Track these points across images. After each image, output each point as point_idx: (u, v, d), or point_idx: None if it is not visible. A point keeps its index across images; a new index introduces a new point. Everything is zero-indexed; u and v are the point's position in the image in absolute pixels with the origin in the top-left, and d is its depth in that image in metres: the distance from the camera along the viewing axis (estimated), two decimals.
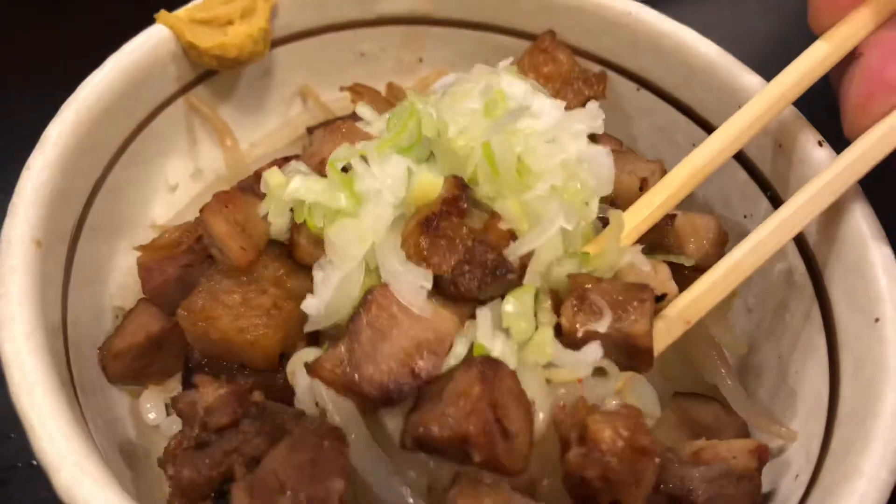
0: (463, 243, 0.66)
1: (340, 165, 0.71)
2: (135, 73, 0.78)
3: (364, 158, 0.71)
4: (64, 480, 0.54)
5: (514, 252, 0.66)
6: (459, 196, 0.68)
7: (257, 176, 0.77)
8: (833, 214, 0.75)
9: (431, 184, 0.68)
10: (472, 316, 0.66)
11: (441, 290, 0.65)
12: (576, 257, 0.68)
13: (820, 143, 0.78)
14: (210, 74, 0.89)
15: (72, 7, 1.35)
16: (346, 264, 0.66)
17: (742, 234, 0.86)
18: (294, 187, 0.70)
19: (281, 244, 0.74)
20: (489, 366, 0.60)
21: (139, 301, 0.77)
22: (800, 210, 0.73)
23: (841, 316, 0.74)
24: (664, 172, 0.82)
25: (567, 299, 0.65)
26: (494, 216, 0.69)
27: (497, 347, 0.63)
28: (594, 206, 0.71)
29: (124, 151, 0.81)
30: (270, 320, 0.68)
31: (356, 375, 0.61)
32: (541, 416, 0.62)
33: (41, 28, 1.36)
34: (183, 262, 0.76)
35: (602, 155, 0.73)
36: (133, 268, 0.81)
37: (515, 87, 0.78)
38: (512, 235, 0.67)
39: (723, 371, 0.77)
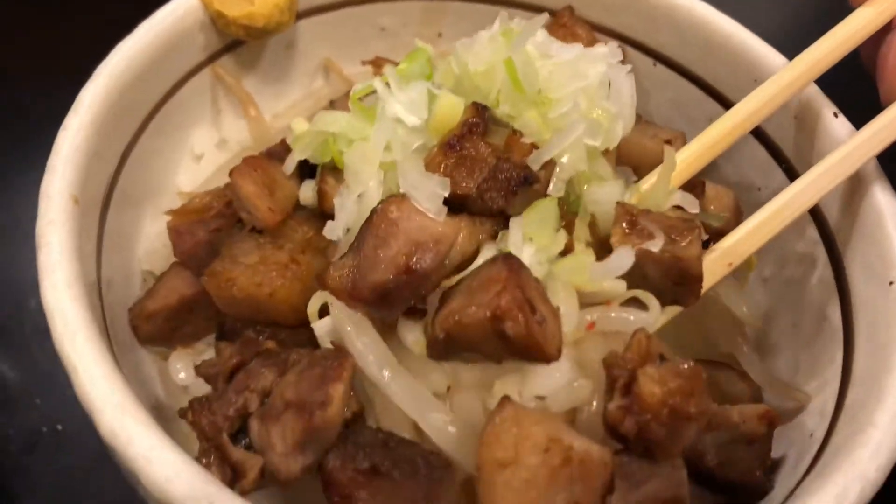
0: (486, 160, 0.67)
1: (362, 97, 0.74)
2: (164, 41, 0.80)
3: (387, 83, 0.73)
4: (107, 422, 0.55)
5: (536, 160, 0.67)
6: (480, 115, 0.69)
7: (284, 144, 0.79)
8: (848, 183, 0.77)
9: (453, 106, 0.69)
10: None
11: (469, 208, 0.66)
12: (618, 185, 0.70)
13: (836, 115, 0.80)
14: (236, 45, 0.90)
15: (72, 7, 1.37)
16: (359, 186, 0.67)
17: (757, 206, 0.89)
18: (318, 120, 0.72)
19: (308, 210, 0.76)
20: (513, 259, 0.61)
21: (172, 265, 0.78)
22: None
23: (855, 282, 0.76)
24: (685, 142, 0.84)
25: (616, 223, 0.66)
26: (516, 133, 0.70)
27: (525, 256, 0.64)
28: (618, 129, 0.72)
29: (152, 119, 0.82)
30: (287, 272, 0.70)
31: (359, 281, 0.62)
32: (566, 330, 0.62)
33: (41, 28, 1.39)
34: (213, 226, 0.77)
35: (622, 76, 0.74)
36: (161, 233, 0.83)
37: (532, 29, 0.79)
38: (534, 147, 0.69)
39: (738, 338, 0.79)
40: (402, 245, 0.63)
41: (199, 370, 0.69)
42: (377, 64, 0.93)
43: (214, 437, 0.61)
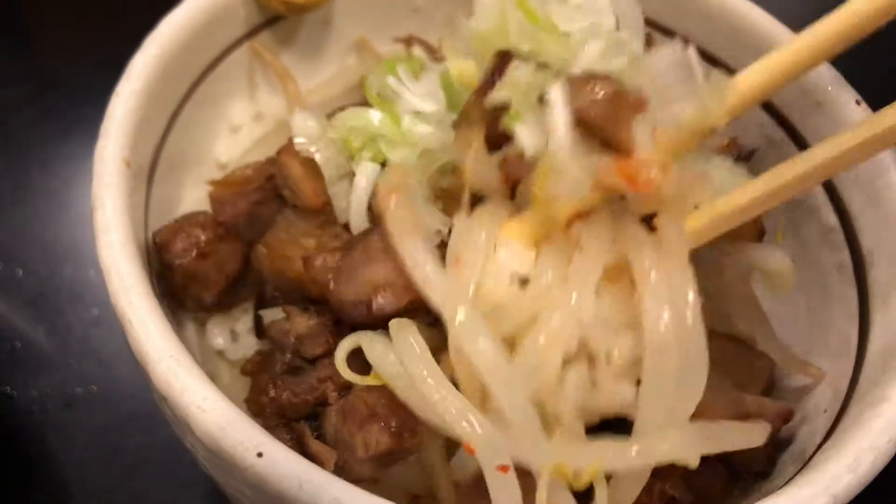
0: None
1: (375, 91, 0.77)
2: (210, 13, 0.82)
3: (399, 80, 0.76)
4: (163, 372, 0.58)
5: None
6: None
7: None
8: (865, 166, 0.79)
9: (467, 67, 0.71)
10: None
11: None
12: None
13: (858, 103, 0.82)
14: (274, 21, 0.93)
15: None
16: None
17: None
18: (345, 117, 0.74)
19: None
20: None
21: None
22: None
23: (873, 265, 0.78)
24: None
25: None
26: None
27: None
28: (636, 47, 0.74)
29: (196, 89, 0.85)
30: None
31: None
32: None
33: (71, 4, 1.42)
34: (253, 198, 0.80)
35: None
36: (199, 201, 0.86)
37: None
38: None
39: (755, 312, 0.81)
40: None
41: (267, 331, 0.72)
42: (410, 43, 0.96)
43: (291, 417, 0.65)
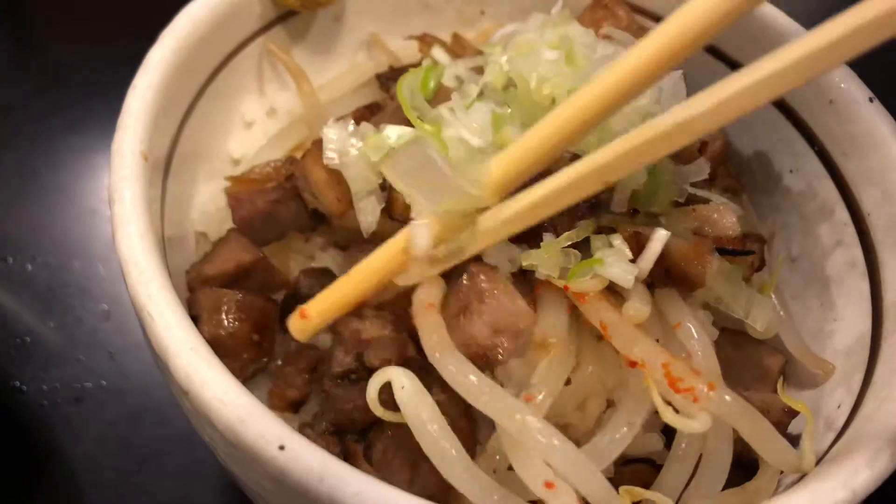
0: None
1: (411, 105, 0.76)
2: (226, 7, 0.82)
3: (451, 109, 0.75)
4: (183, 365, 0.58)
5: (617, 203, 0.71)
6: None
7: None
8: (877, 163, 0.79)
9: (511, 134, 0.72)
10: None
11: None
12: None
13: (871, 100, 0.82)
14: (288, 16, 0.93)
15: None
16: None
17: (788, 189, 0.92)
18: (387, 135, 0.73)
19: None
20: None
21: (230, 231, 0.80)
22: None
23: (886, 262, 0.78)
24: (726, 144, 0.87)
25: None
26: (574, 158, 0.71)
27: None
28: None
29: (210, 83, 0.85)
30: None
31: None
32: None
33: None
34: (271, 197, 0.79)
35: (676, 83, 0.76)
36: (213, 196, 0.86)
37: (583, 36, 0.82)
38: None
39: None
40: (486, 324, 0.66)
41: (336, 326, 0.70)
42: (424, 41, 0.95)
43: (344, 430, 0.66)
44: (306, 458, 0.54)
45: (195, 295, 0.76)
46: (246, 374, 0.75)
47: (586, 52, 0.77)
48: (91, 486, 0.96)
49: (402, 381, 0.63)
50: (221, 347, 0.73)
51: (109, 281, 1.10)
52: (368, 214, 0.73)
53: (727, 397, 0.64)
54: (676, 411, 0.64)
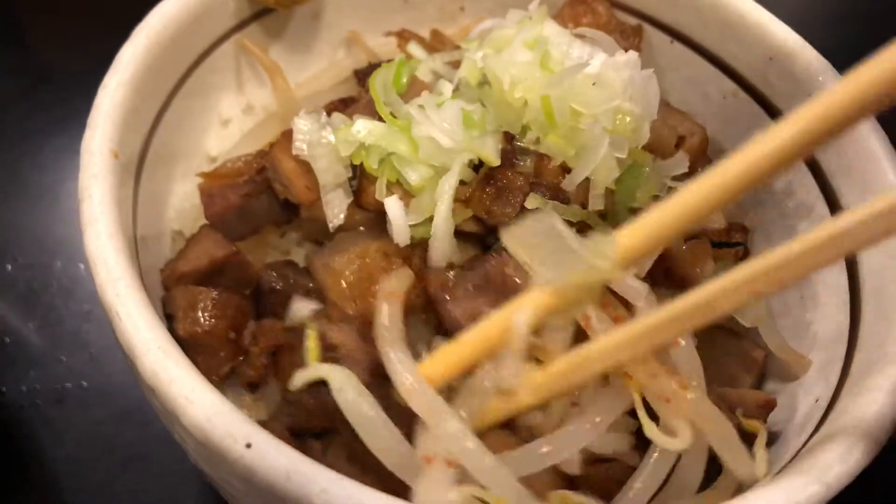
0: (521, 188, 0.71)
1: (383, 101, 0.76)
2: (199, 5, 0.82)
3: (420, 106, 0.75)
4: (150, 364, 0.58)
5: (570, 182, 0.70)
6: (509, 150, 0.73)
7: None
8: (856, 156, 0.79)
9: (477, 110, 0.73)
10: None
11: None
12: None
13: None
14: (264, 13, 0.93)
15: None
16: (427, 211, 0.72)
17: (766, 186, 0.91)
18: (357, 129, 0.73)
19: None
20: None
21: (202, 227, 0.80)
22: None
23: (863, 256, 0.78)
24: (705, 139, 0.86)
25: None
26: (543, 157, 0.73)
27: None
28: (645, 130, 0.75)
29: (185, 81, 0.85)
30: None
31: (449, 302, 0.67)
32: None
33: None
34: (243, 191, 0.79)
35: (646, 79, 0.76)
36: (190, 194, 0.85)
37: (559, 36, 0.81)
38: (564, 169, 0.71)
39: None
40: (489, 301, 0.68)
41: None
42: (403, 36, 0.95)
43: (301, 428, 0.66)
44: (273, 456, 0.54)
45: (170, 293, 0.75)
46: (223, 372, 0.75)
47: (560, 55, 0.76)
48: (74, 489, 0.95)
49: (341, 383, 0.62)
50: (198, 345, 0.73)
51: (91, 281, 1.08)
52: (335, 207, 0.73)
53: (693, 398, 0.64)
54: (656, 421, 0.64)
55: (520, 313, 0.61)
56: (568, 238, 0.59)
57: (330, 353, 0.68)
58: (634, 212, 0.74)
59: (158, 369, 0.58)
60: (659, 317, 0.59)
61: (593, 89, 0.74)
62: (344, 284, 0.72)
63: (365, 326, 0.68)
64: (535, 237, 0.60)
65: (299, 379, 0.64)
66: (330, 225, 0.74)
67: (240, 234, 0.79)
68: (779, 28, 0.87)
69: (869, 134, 0.78)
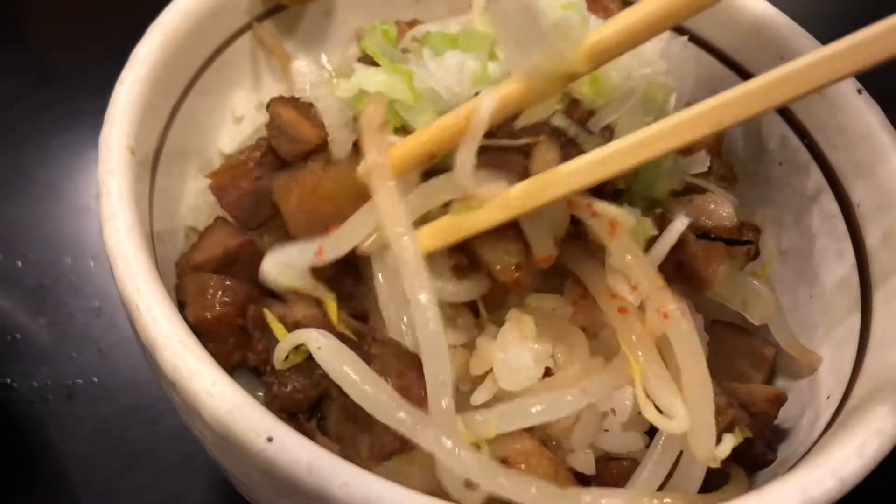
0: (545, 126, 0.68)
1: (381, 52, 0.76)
2: (213, 1, 0.82)
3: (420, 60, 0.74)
4: (171, 357, 0.58)
5: (596, 123, 0.69)
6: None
7: None
8: (866, 154, 0.80)
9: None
10: None
11: None
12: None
13: (859, 91, 0.83)
14: (277, 10, 0.93)
15: None
16: None
17: (777, 181, 0.92)
18: (358, 77, 0.73)
19: None
20: None
21: (216, 218, 0.80)
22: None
23: (874, 252, 0.79)
24: (720, 138, 0.87)
25: None
26: (574, 101, 0.71)
27: None
28: (671, 104, 0.74)
29: (199, 78, 0.85)
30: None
31: None
32: None
33: None
34: (254, 175, 0.79)
35: (682, 50, 0.76)
36: (203, 191, 0.85)
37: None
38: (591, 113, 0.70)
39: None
40: None
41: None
42: (413, 26, 0.95)
43: (292, 411, 0.66)
44: (295, 449, 0.54)
45: (182, 281, 0.75)
46: (232, 361, 0.75)
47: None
48: (82, 484, 0.95)
49: (318, 341, 0.63)
50: (207, 331, 0.73)
51: (100, 277, 1.10)
52: (342, 145, 0.73)
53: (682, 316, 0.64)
54: (659, 411, 0.65)
55: (485, 98, 0.61)
56: (541, 20, 0.58)
57: (295, 329, 0.68)
58: (652, 203, 0.74)
59: (179, 363, 0.58)
60: (628, 141, 0.60)
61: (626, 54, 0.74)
62: (294, 199, 0.73)
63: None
64: (511, 15, 0.59)
65: (281, 351, 0.65)
66: (336, 161, 0.73)
67: (259, 219, 0.79)
68: (789, 27, 0.87)
69: (879, 129, 0.79)
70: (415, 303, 0.60)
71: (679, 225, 0.68)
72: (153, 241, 0.74)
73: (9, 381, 1.01)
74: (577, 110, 0.71)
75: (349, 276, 0.73)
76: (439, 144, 0.65)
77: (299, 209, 0.73)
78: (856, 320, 0.78)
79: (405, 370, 0.65)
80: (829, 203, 0.85)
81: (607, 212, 0.64)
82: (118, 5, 1.41)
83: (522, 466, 0.66)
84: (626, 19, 0.59)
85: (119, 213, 0.65)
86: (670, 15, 0.58)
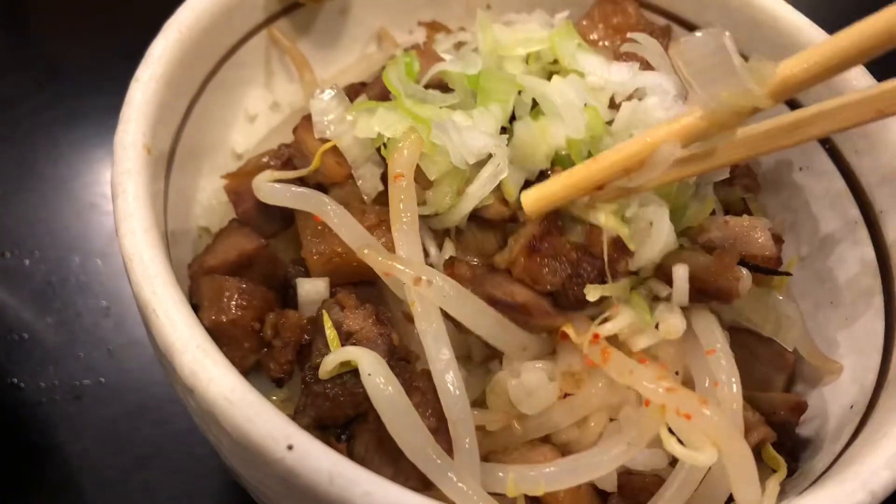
0: (568, 257, 0.69)
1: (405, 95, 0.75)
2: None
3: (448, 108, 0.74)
4: (189, 363, 0.57)
5: (632, 266, 0.69)
6: (556, 213, 0.71)
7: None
8: (890, 160, 0.78)
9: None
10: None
11: (559, 304, 0.69)
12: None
13: None
14: (293, 8, 0.92)
15: None
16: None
17: (798, 187, 0.91)
18: (376, 122, 0.72)
19: None
20: None
21: (231, 221, 0.79)
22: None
23: None
24: None
25: None
26: (594, 228, 0.70)
27: None
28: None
29: (214, 76, 0.84)
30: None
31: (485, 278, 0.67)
32: None
33: None
34: None
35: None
36: (217, 190, 0.84)
37: (565, 46, 0.80)
38: (617, 242, 0.69)
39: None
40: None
41: (320, 319, 0.69)
42: (433, 27, 0.95)
43: (325, 424, 0.65)
44: (316, 458, 0.53)
45: (196, 283, 0.74)
46: (246, 365, 0.74)
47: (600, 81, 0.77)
48: (90, 485, 0.94)
49: (371, 367, 0.62)
50: (222, 335, 0.72)
51: (109, 276, 1.08)
52: (369, 180, 0.73)
53: (716, 417, 0.63)
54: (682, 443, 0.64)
55: (665, 147, 0.63)
56: (733, 56, 0.59)
57: (347, 340, 0.67)
58: (688, 233, 0.74)
59: (197, 368, 0.57)
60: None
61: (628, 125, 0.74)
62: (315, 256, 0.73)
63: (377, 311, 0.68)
64: (701, 53, 0.60)
65: (330, 363, 0.64)
66: (367, 198, 0.73)
67: (272, 230, 0.78)
68: (812, 30, 0.86)
69: None
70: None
71: (681, 279, 0.69)
72: (168, 242, 0.72)
73: (16, 381, 0.99)
74: (597, 241, 0.70)
75: None
76: (593, 184, 0.67)
77: (325, 270, 0.73)
78: (879, 327, 0.77)
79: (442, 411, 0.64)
80: (851, 209, 0.84)
81: (604, 332, 0.67)
82: (126, 2, 1.40)
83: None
84: (816, 56, 0.59)
85: (136, 214, 0.63)
86: (862, 52, 0.58)
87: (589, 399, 0.69)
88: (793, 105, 0.83)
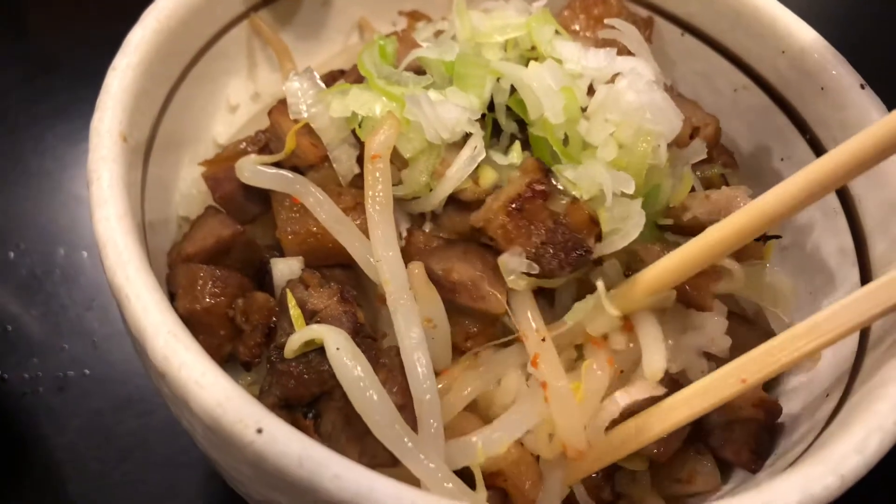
0: (545, 225, 0.69)
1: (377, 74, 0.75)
2: None
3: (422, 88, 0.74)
4: (160, 347, 0.57)
5: (599, 251, 0.69)
6: (543, 179, 0.70)
7: None
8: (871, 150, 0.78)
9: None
10: None
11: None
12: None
13: (862, 87, 0.82)
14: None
15: None
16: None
17: (779, 177, 0.91)
18: (351, 99, 0.72)
19: None
20: None
21: (208, 207, 0.79)
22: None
23: (875, 248, 0.78)
24: (719, 129, 0.86)
25: None
26: (576, 202, 0.70)
27: None
28: (664, 149, 0.72)
29: (194, 66, 0.84)
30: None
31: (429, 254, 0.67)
32: None
33: None
34: None
35: (658, 95, 0.74)
36: (196, 180, 0.84)
37: (541, 33, 0.79)
38: (593, 220, 0.69)
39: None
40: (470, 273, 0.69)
41: (283, 298, 0.70)
42: (414, 17, 0.95)
43: (291, 404, 0.65)
44: (285, 441, 0.53)
45: (172, 272, 0.74)
46: (224, 353, 0.74)
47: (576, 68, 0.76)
48: (74, 477, 0.94)
49: (338, 343, 0.62)
50: (197, 323, 0.72)
51: (94, 269, 1.09)
52: (344, 162, 0.73)
53: None
54: None
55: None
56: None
57: (312, 319, 0.67)
58: (671, 213, 0.75)
59: (169, 353, 0.57)
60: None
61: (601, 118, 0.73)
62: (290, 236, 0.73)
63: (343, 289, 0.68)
64: None
65: (295, 341, 0.64)
66: (343, 180, 0.73)
67: (251, 214, 0.78)
68: (792, 21, 0.86)
69: None
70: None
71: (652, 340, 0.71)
72: (145, 231, 0.73)
73: (0, 372, 0.99)
74: (577, 215, 0.70)
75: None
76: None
77: (300, 250, 0.74)
78: None
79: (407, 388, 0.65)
80: (831, 198, 0.84)
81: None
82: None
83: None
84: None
85: (110, 200, 0.64)
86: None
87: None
88: None
